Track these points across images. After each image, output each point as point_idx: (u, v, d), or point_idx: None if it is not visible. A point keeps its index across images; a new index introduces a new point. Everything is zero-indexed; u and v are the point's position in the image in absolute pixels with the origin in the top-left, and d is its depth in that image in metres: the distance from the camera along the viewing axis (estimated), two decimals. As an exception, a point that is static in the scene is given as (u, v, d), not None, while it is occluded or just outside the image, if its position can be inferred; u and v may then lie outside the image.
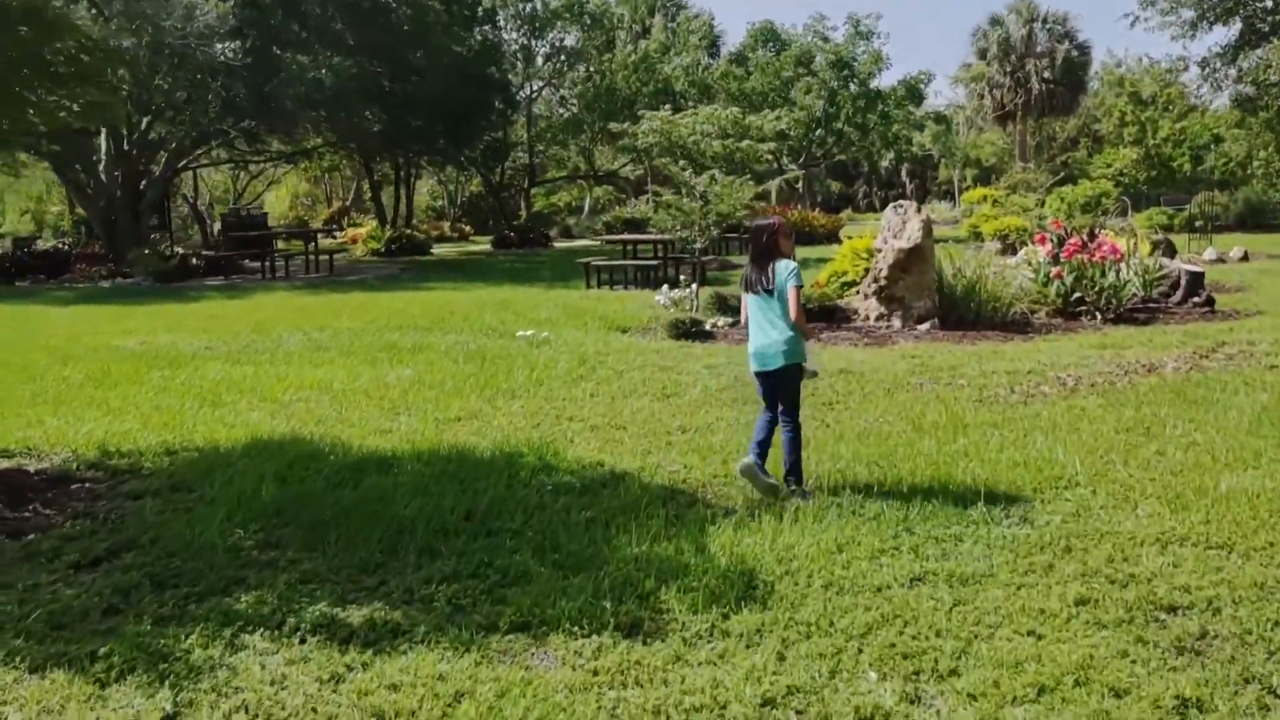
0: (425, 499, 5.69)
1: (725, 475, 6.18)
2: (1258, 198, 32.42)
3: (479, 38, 26.33)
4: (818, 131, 36.04)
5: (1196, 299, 14.35)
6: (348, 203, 47.86)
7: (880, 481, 6.02)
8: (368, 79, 21.47)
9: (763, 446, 5.76)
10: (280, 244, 37.67)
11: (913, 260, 12.82)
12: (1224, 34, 19.26)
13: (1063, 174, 39.54)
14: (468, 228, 42.35)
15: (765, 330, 5.81)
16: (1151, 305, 14.45)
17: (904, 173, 65.81)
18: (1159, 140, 34.52)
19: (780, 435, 5.83)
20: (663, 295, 14.29)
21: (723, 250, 27.36)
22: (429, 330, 12.97)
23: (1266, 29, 17.68)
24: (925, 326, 12.86)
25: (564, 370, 9.85)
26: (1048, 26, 52.44)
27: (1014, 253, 22.79)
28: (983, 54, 52.67)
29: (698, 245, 13.32)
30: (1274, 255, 22.59)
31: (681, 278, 14.09)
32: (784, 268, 5.76)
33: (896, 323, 12.92)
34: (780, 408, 5.85)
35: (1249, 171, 33.83)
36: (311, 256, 24.44)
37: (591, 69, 36.39)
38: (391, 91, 23.54)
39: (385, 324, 13.45)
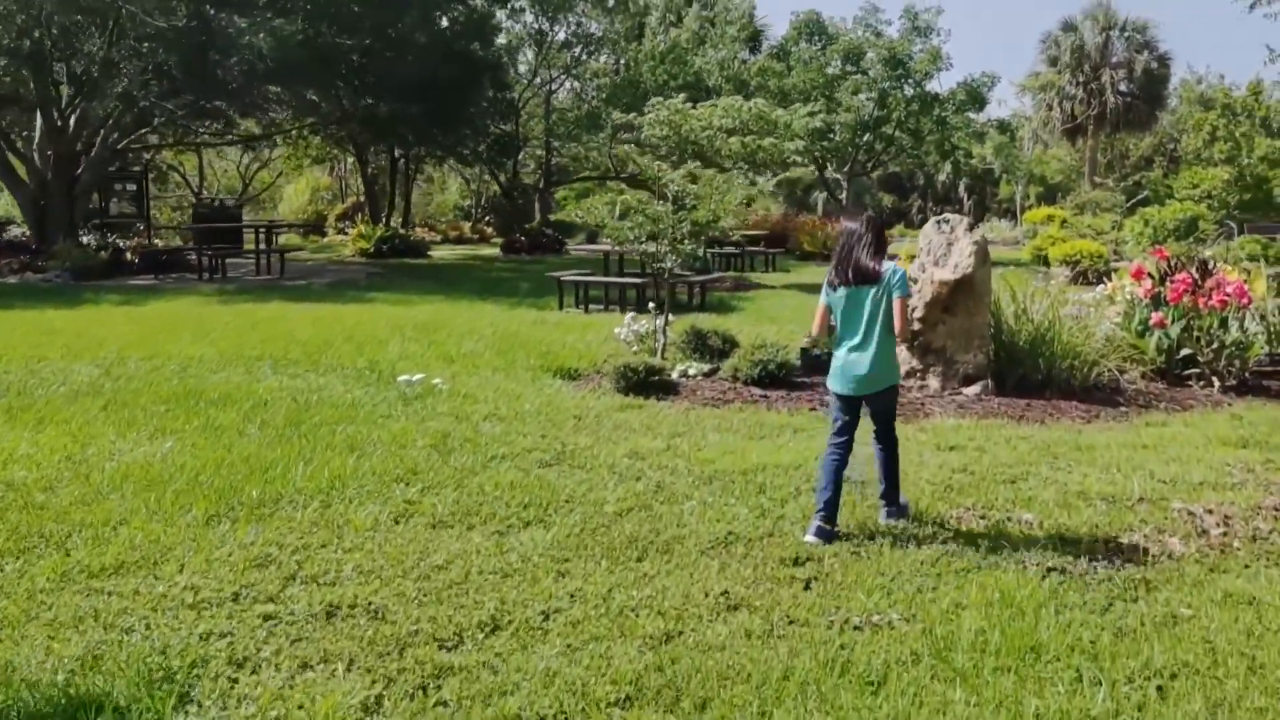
0: None
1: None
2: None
3: (465, 9, 22.92)
4: (866, 136, 32.23)
5: (1349, 363, 10.53)
6: (361, 198, 44.80)
7: None
8: (326, 49, 18.23)
9: (832, 509, 5.04)
10: (286, 238, 34.95)
11: (960, 296, 9.19)
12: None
13: (1141, 195, 35.39)
14: (489, 229, 39.19)
15: (867, 340, 5.11)
16: (1283, 368, 10.66)
17: (962, 187, 61.54)
18: (1255, 159, 30.31)
19: (877, 457, 5.33)
20: (624, 328, 10.77)
21: (742, 265, 23.73)
22: (294, 364, 9.58)
23: None
24: (975, 390, 9.21)
25: (391, 459, 6.36)
26: (1126, 35, 48.18)
27: (1090, 284, 18.96)
28: (1053, 62, 48.48)
29: (667, 264, 9.81)
30: None
31: (651, 305, 10.53)
32: (894, 270, 5.18)
33: (934, 383, 9.29)
34: (876, 427, 5.32)
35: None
36: (264, 255, 21.19)
37: (617, 59, 32.96)
38: (361, 67, 20.30)
39: (246, 353, 10.07)
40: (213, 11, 17.13)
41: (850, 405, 5.22)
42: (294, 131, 27.06)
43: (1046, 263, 22.91)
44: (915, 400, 8.91)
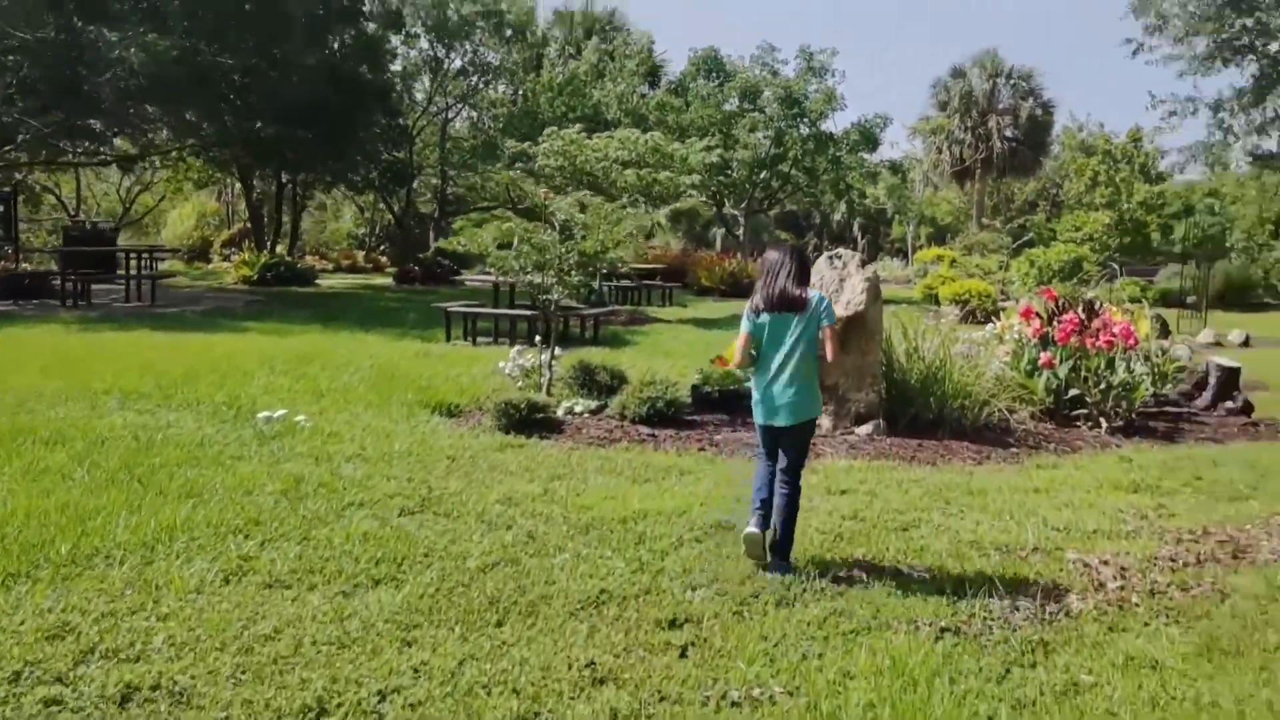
0: None
1: None
2: (1239, 273, 29.27)
3: (356, 32, 22.22)
4: (763, 174, 32.44)
5: (1230, 403, 10.65)
6: (248, 224, 43.36)
7: None
8: (206, 68, 17.35)
9: (768, 506, 5.03)
10: (168, 264, 33.29)
11: (853, 334, 8.96)
12: (1231, 78, 15.74)
13: (1027, 237, 36.34)
14: (383, 258, 38.22)
15: (794, 375, 4.97)
16: (1168, 408, 10.72)
17: (856, 226, 62.74)
18: (1134, 204, 31.36)
19: (775, 499, 5.03)
20: (509, 362, 10.27)
21: (639, 298, 23.43)
22: (145, 398, 8.82)
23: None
24: (867, 429, 8.98)
25: (231, 506, 5.75)
26: (1012, 82, 49.78)
27: (979, 323, 19.15)
28: (943, 106, 49.79)
29: (554, 296, 9.37)
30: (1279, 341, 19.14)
31: (537, 338, 10.05)
32: (821, 298, 5.11)
33: (826, 422, 9.01)
34: (784, 465, 5.07)
35: (1229, 244, 30.79)
36: (135, 281, 20.07)
37: (515, 89, 32.58)
38: (244, 88, 19.42)
39: (94, 385, 9.26)
40: (81, 24, 16.11)
41: (771, 437, 5.10)
42: (174, 153, 25.87)
43: (937, 301, 23.20)
44: (806, 441, 8.62)
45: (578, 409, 9.32)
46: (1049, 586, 4.91)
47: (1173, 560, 5.37)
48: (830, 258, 9.43)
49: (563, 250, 9.16)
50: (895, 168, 33.89)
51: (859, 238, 64.55)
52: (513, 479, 6.70)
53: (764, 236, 56.65)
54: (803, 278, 5.09)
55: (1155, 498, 6.80)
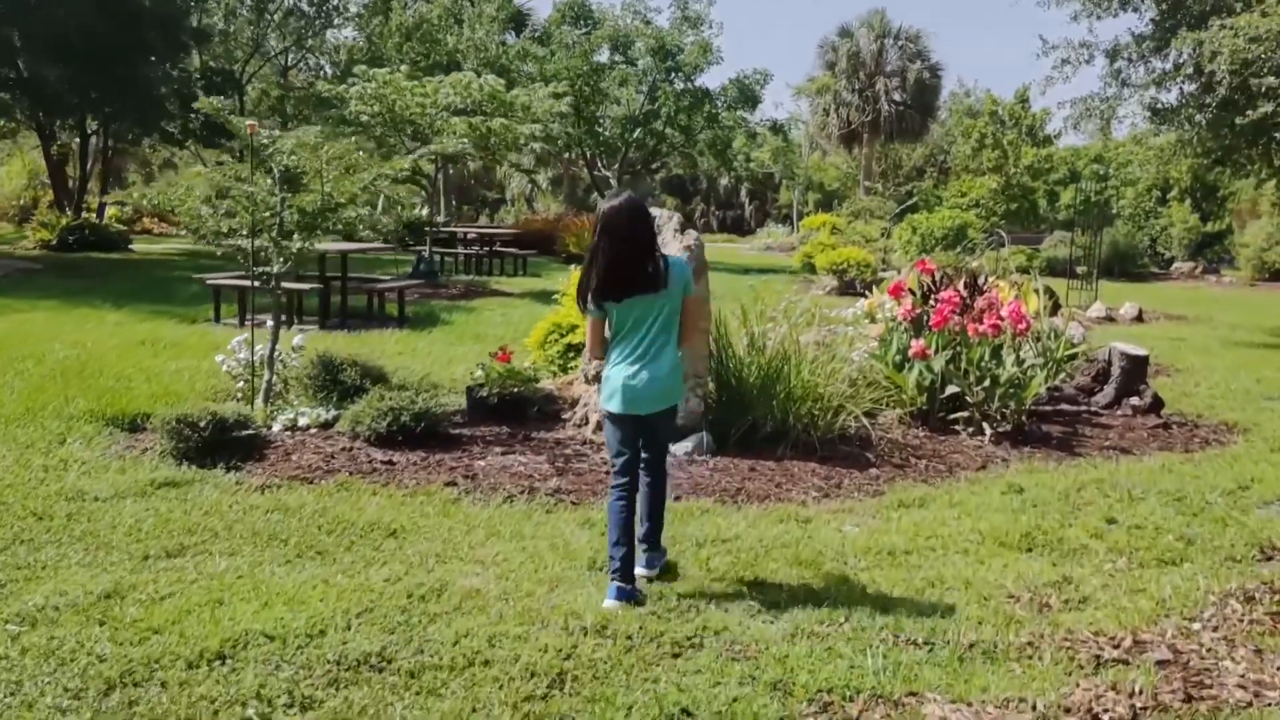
0: None
1: None
2: (1125, 242, 28.17)
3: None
4: (636, 132, 30.16)
5: (1137, 399, 8.80)
6: (74, 183, 39.30)
7: None
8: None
9: (628, 565, 4.14)
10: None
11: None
12: (1130, 23, 13.96)
13: (910, 202, 34.86)
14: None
15: (654, 354, 4.24)
16: (1064, 405, 8.83)
17: (744, 192, 61.07)
18: (1021, 169, 29.99)
19: (641, 491, 4.35)
20: (229, 356, 7.79)
21: (488, 268, 20.90)
22: None
23: (1203, 8, 12.44)
24: (685, 448, 6.81)
25: None
26: (900, 43, 48.33)
27: (858, 295, 17.24)
28: (831, 67, 48.09)
29: (275, 267, 6.93)
30: (1173, 315, 17.69)
31: (265, 321, 7.58)
32: (680, 264, 4.36)
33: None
34: (648, 456, 4.39)
35: (1115, 211, 29.70)
36: None
37: (367, 35, 29.57)
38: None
39: None
40: None
41: (632, 429, 4.32)
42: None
43: (814, 270, 21.32)
44: (593, 467, 6.39)
45: (302, 422, 6.93)
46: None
47: (1087, 708, 3.29)
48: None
49: (277, 206, 6.71)
50: (776, 127, 31.94)
51: (746, 203, 62.90)
52: (80, 566, 4.29)
53: (647, 201, 54.44)
54: (653, 243, 4.24)
55: (1058, 564, 4.77)
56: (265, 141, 7.04)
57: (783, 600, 4.16)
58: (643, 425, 4.31)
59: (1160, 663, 3.64)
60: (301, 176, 7.00)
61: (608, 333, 4.33)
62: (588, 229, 27.73)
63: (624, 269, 4.15)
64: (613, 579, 4.12)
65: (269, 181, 6.89)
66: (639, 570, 4.31)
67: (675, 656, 3.58)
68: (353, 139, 7.91)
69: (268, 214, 6.89)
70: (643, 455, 4.38)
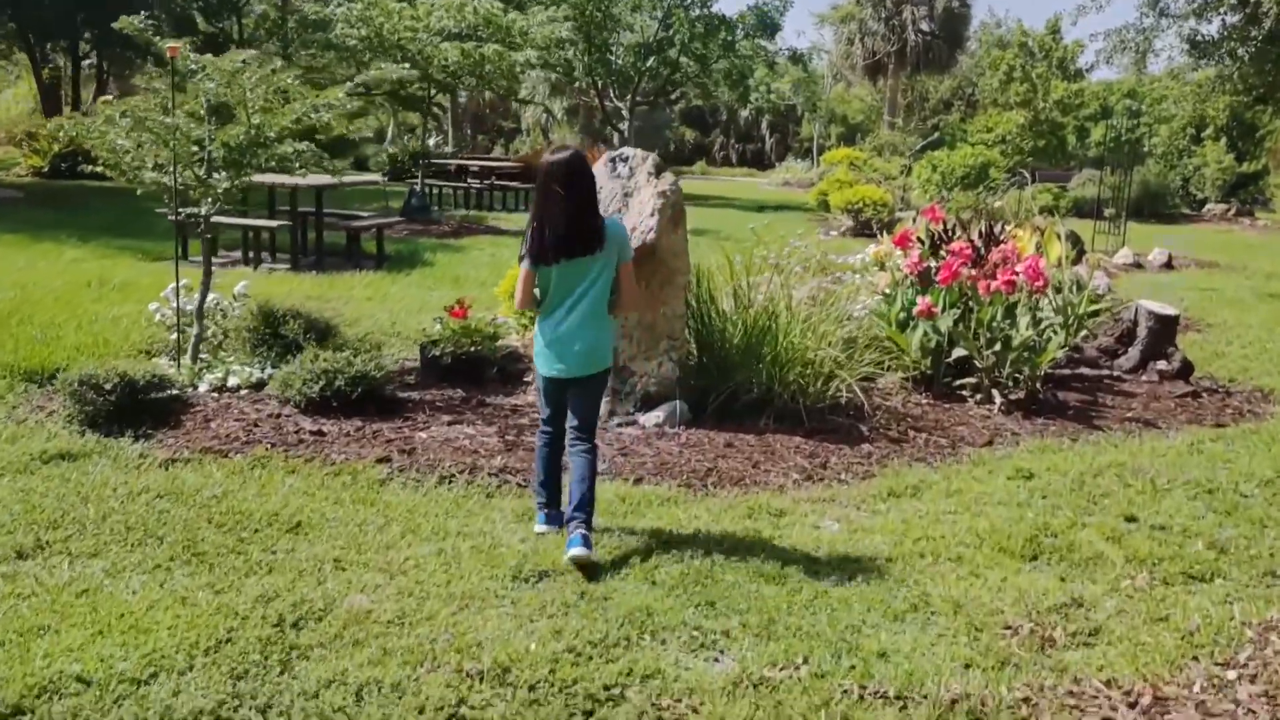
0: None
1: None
2: (1157, 182, 26.97)
3: None
4: (650, 60, 28.95)
5: (1164, 363, 8.01)
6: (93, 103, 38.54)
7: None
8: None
9: (554, 493, 4.37)
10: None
11: (640, 276, 5.99)
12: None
13: (934, 137, 33.57)
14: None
15: (587, 317, 4.20)
16: (1084, 368, 8.06)
17: (764, 125, 59.54)
18: (1050, 104, 28.67)
19: (572, 462, 4.21)
20: (162, 305, 7.09)
21: (488, 202, 20.06)
22: None
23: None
24: (657, 418, 6.11)
25: None
26: (928, -30, 46.49)
27: (871, 235, 16.35)
28: (855, -6, 46.42)
29: (204, 208, 6.19)
30: (1204, 262, 16.72)
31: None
32: (618, 228, 4.33)
33: (600, 408, 6.09)
34: (576, 423, 4.28)
35: (1147, 149, 28.41)
36: None
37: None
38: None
39: None
40: None
41: (558, 389, 4.33)
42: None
43: (829, 209, 20.38)
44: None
45: (232, 382, 6.26)
46: None
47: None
48: (613, 161, 6.40)
49: (203, 140, 5.95)
50: (796, 57, 30.65)
51: (767, 136, 61.32)
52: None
53: (665, 134, 53.24)
54: (593, 202, 4.22)
55: (1066, 579, 4.06)
56: (193, 67, 6.27)
57: (734, 629, 3.48)
58: (571, 387, 4.29)
59: (1188, 730, 2.94)
60: (235, 108, 6.22)
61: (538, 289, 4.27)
62: (594, 161, 26.79)
63: (564, 226, 4.09)
64: (540, 509, 4.35)
65: (191, 113, 6.13)
66: (573, 552, 3.95)
67: (588, 715, 2.91)
68: (284, 65, 7.07)
69: (195, 148, 6.14)
70: (571, 422, 4.31)
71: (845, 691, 3.06)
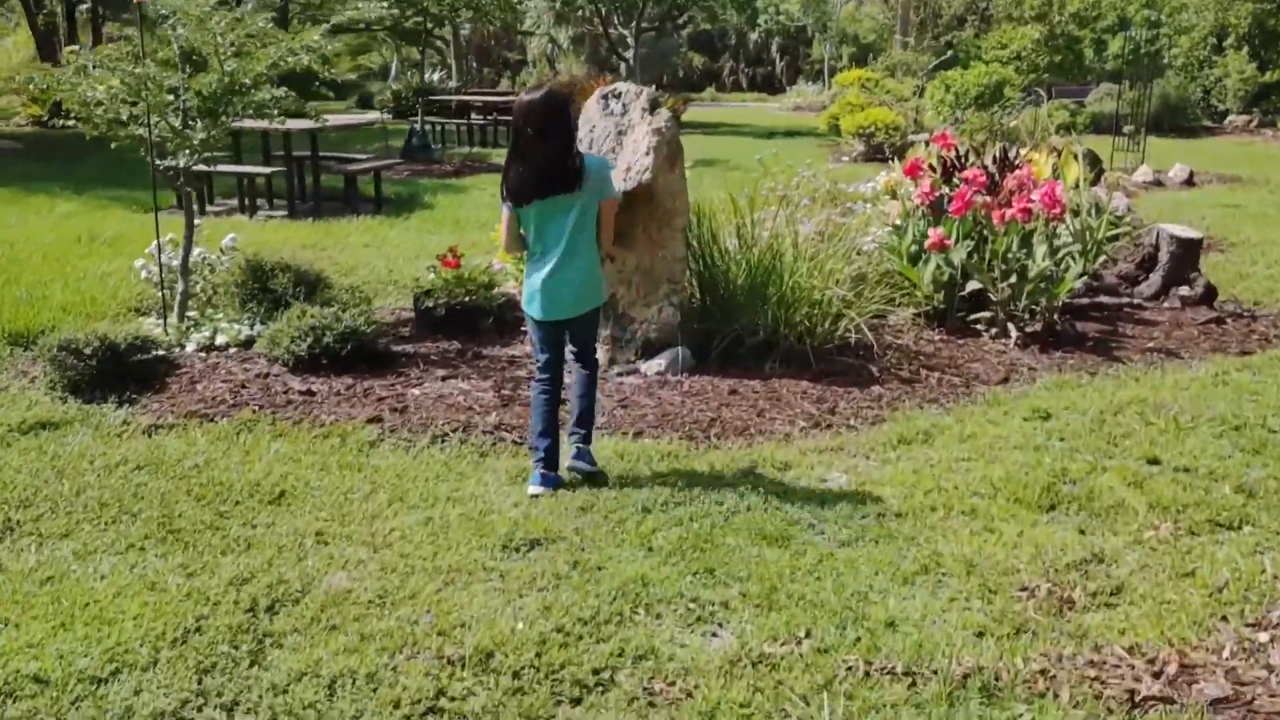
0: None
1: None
2: (1177, 94, 26.23)
3: None
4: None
5: (1186, 289, 7.71)
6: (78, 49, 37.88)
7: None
8: None
9: (552, 454, 4.21)
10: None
11: (638, 218, 5.76)
12: None
13: (948, 55, 32.68)
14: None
15: (573, 257, 4.12)
16: (1103, 297, 7.79)
17: (774, 48, 58.26)
18: (1066, 17, 27.79)
19: (574, 379, 4.33)
20: (148, 262, 6.89)
21: (493, 139, 19.65)
22: None
23: None
24: (659, 365, 5.90)
25: None
26: (941, -122, 44.95)
27: (883, 160, 15.91)
28: (865, -93, 45.00)
29: (181, 160, 5.95)
30: (1226, 177, 16.22)
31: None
32: (599, 165, 4.28)
33: (600, 356, 5.87)
34: (575, 350, 4.35)
35: (1167, 61, 27.57)
36: None
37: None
38: None
39: None
40: None
41: (553, 332, 4.27)
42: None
43: (840, 134, 19.86)
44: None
45: (220, 341, 6.07)
46: None
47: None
48: (604, 98, 6.09)
49: (178, 88, 5.68)
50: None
51: (777, 59, 60.05)
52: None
53: (673, 60, 52.20)
54: (569, 141, 4.12)
55: (1086, 531, 3.85)
56: (164, 13, 5.97)
57: (733, 599, 3.30)
58: (564, 328, 4.27)
59: (1215, 703, 2.75)
60: (209, 56, 5.94)
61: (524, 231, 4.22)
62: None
63: (539, 166, 4.02)
64: (536, 467, 4.21)
65: (164, 62, 5.85)
66: (570, 463, 4.24)
67: (575, 703, 2.74)
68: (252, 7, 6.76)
69: (170, 97, 5.88)
70: (570, 350, 4.35)
71: (850, 668, 2.88)
